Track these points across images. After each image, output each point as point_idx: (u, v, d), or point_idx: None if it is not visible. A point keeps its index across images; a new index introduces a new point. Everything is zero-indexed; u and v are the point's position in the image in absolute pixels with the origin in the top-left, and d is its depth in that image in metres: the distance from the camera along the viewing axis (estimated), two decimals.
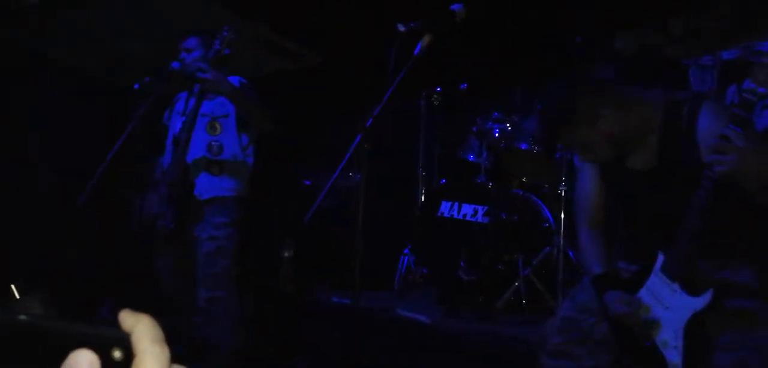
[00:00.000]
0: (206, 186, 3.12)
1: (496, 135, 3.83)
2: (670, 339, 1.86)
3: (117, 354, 0.47)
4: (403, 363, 3.31)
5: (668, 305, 1.87)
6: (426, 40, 2.30)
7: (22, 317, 0.48)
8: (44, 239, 4.57)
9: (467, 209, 3.71)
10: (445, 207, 3.82)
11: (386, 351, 3.39)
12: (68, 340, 0.47)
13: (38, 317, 0.49)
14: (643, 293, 1.95)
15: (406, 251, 4.11)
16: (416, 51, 2.29)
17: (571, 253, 3.60)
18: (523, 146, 3.68)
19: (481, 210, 3.65)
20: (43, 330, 0.48)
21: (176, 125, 3.23)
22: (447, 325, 3.37)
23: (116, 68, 4.94)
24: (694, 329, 1.82)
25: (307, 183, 4.55)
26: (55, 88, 4.98)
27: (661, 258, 1.91)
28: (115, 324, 0.50)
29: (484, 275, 3.61)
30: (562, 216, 3.52)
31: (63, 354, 0.47)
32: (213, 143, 3.16)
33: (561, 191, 3.57)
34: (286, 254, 4.38)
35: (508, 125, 3.80)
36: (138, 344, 0.48)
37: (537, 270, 3.54)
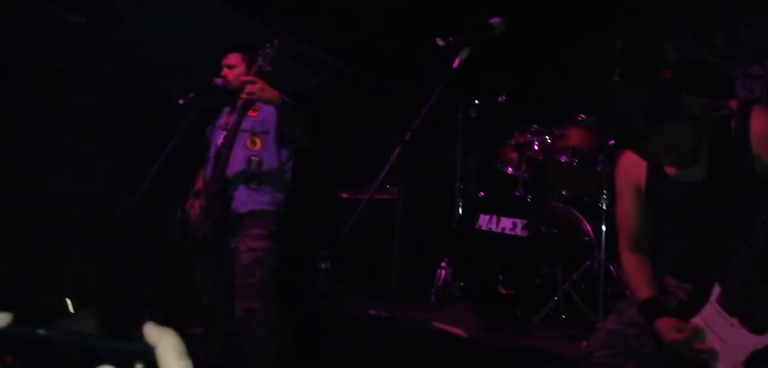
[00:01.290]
0: (245, 200, 3.17)
1: (536, 147, 3.79)
2: None
3: (139, 367, 0.48)
4: None
5: (726, 339, 1.80)
6: (464, 53, 2.31)
7: (44, 332, 0.49)
8: (88, 249, 4.71)
9: (506, 222, 3.67)
10: (483, 220, 3.79)
11: (423, 365, 3.38)
12: (92, 356, 0.48)
13: (62, 332, 0.50)
14: (697, 322, 1.88)
15: (443, 264, 4.09)
16: (455, 64, 2.30)
17: (611, 267, 3.53)
18: (563, 158, 3.63)
19: (519, 223, 3.61)
20: (68, 346, 0.49)
21: (218, 139, 3.30)
22: (484, 339, 3.34)
23: (162, 82, 5.07)
24: (755, 366, 1.74)
25: (345, 195, 4.57)
26: (102, 101, 5.13)
27: (717, 289, 1.83)
28: (141, 337, 0.51)
29: (522, 289, 3.56)
30: (603, 229, 3.46)
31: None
32: (253, 158, 3.21)
33: (601, 204, 3.52)
34: (322, 266, 4.42)
35: (547, 137, 3.76)
36: (162, 358, 0.49)
37: (576, 285, 3.48)
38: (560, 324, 3.39)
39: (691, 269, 2.00)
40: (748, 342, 1.75)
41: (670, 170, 2.01)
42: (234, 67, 3.30)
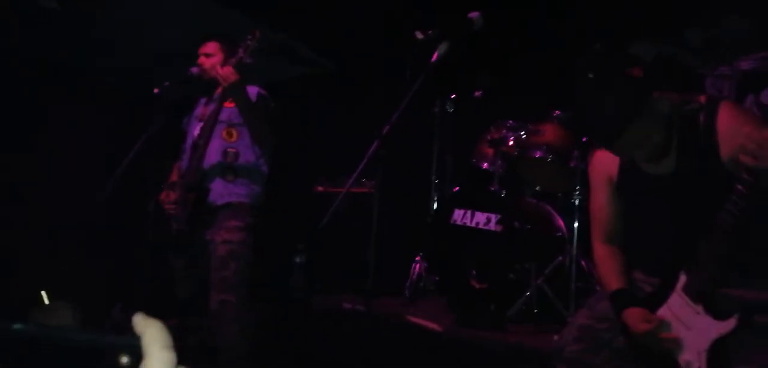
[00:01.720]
0: (221, 192, 3.14)
1: (511, 143, 3.83)
2: (693, 361, 1.83)
3: (124, 359, 0.48)
4: None
5: (691, 326, 1.84)
6: (443, 47, 2.32)
7: (21, 327, 0.49)
8: (62, 241, 4.63)
9: (480, 217, 3.70)
10: (457, 215, 3.81)
11: (397, 359, 3.39)
12: (77, 348, 0.48)
13: (41, 327, 0.49)
14: (664, 311, 1.92)
15: (418, 258, 4.10)
16: (433, 58, 2.31)
17: (583, 263, 3.59)
18: (537, 154, 3.67)
19: (494, 218, 3.64)
20: (48, 341, 0.49)
21: (194, 130, 3.26)
22: (458, 333, 3.36)
23: (136, 72, 4.99)
24: (718, 351, 1.79)
25: (320, 189, 4.56)
26: (73, 92, 5.03)
27: (683, 277, 1.88)
28: (126, 325, 0.50)
29: (495, 283, 3.60)
30: (575, 225, 3.51)
31: (73, 362, 0.48)
32: (229, 149, 3.18)
33: (574, 200, 3.57)
34: (297, 260, 4.41)
35: (522, 133, 3.79)
36: (147, 348, 0.49)
37: (549, 279, 3.53)
38: (533, 319, 3.44)
39: (658, 261, 2.04)
40: (713, 328, 1.80)
41: (641, 163, 2.05)
42: (211, 56, 3.27)
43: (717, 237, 1.76)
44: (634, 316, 1.95)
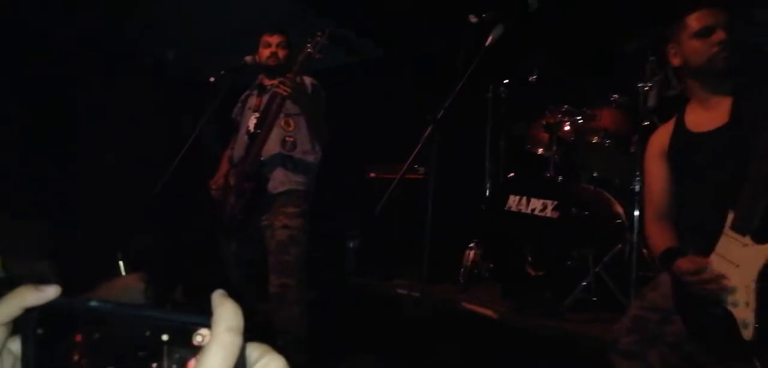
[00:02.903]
0: (282, 180, 3.21)
1: (567, 128, 3.74)
2: (740, 299, 1.78)
3: (198, 338, 0.48)
4: (468, 358, 3.29)
5: (739, 262, 1.80)
6: (498, 30, 2.28)
7: (96, 303, 0.49)
8: (120, 226, 4.80)
9: (536, 203, 3.63)
10: (513, 201, 3.75)
11: (452, 345, 3.38)
12: (151, 328, 0.48)
13: (116, 304, 0.50)
14: (712, 258, 1.89)
15: (472, 244, 4.07)
16: (488, 42, 2.27)
17: (644, 251, 3.48)
18: (595, 139, 3.57)
19: (550, 204, 3.56)
20: (128, 318, 0.49)
21: (248, 120, 3.32)
22: (513, 321, 3.32)
23: (192, 59, 5.11)
24: (766, 280, 1.74)
25: (372, 175, 4.57)
26: (130, 78, 5.20)
27: (730, 216, 1.85)
28: (187, 308, 0.50)
29: (552, 271, 3.53)
30: (635, 212, 3.40)
31: (147, 340, 0.48)
32: (287, 138, 3.23)
33: (634, 186, 3.46)
34: (351, 245, 4.45)
35: (578, 117, 3.70)
36: (214, 328, 0.48)
37: (608, 268, 3.44)
38: (591, 307, 3.35)
39: (707, 215, 2.00)
40: (760, 255, 1.76)
41: (693, 127, 2.10)
42: (278, 47, 3.33)
43: (760, 166, 1.74)
44: (682, 264, 1.93)
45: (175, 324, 0.48)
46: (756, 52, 3.54)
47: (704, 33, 2.03)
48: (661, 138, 2.23)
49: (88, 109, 5.04)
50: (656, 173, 2.21)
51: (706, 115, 2.06)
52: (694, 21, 2.06)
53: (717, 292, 1.84)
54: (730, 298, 1.81)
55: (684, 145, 2.10)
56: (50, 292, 0.50)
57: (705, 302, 1.88)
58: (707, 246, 1.91)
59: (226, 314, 0.49)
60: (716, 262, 1.86)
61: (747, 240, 1.78)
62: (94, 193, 4.75)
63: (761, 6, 3.50)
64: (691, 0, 2.08)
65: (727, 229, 1.86)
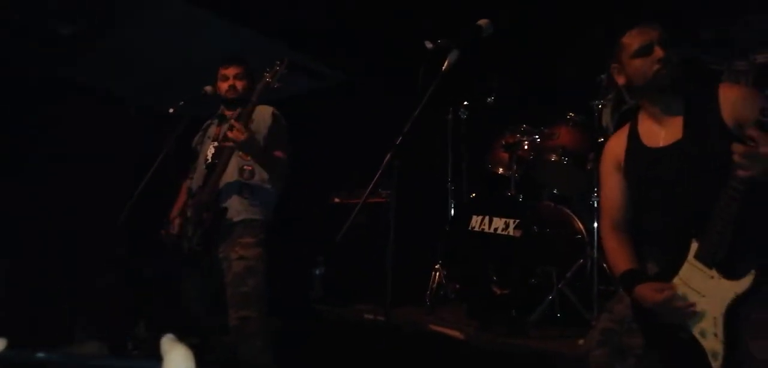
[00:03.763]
0: (238, 209, 3.16)
1: (526, 147, 3.81)
2: (708, 328, 1.80)
3: None
4: None
5: (705, 293, 1.82)
6: (453, 55, 2.32)
7: (44, 356, 0.49)
8: (80, 260, 4.69)
9: (498, 222, 3.68)
10: (475, 221, 3.80)
11: (419, 367, 3.38)
12: None
13: (64, 355, 0.50)
14: (675, 283, 1.90)
15: (437, 266, 4.09)
16: (444, 67, 2.31)
17: (605, 265, 3.54)
18: (553, 157, 3.65)
19: (512, 223, 3.62)
20: (75, 366, 0.50)
21: (207, 149, 3.29)
22: (480, 340, 3.34)
23: (149, 91, 5.06)
24: (735, 314, 1.76)
25: (337, 200, 4.57)
26: (88, 112, 5.12)
27: (694, 245, 1.87)
28: (150, 342, 0.50)
29: (516, 289, 3.57)
30: (595, 226, 3.48)
31: None
32: (245, 167, 3.20)
33: (592, 201, 3.54)
34: (317, 272, 4.42)
35: (537, 137, 3.78)
36: None
37: (571, 283, 3.49)
38: (556, 323, 3.40)
39: (669, 239, 2.03)
40: (728, 290, 1.77)
41: (647, 141, 2.12)
42: (235, 79, 3.31)
43: (727, 199, 1.75)
44: (645, 290, 1.94)
45: None
46: (703, 69, 3.68)
47: (642, 52, 2.06)
48: (614, 150, 2.24)
49: (44, 143, 4.94)
50: (612, 185, 2.24)
51: (659, 130, 2.08)
52: (631, 41, 2.10)
53: (683, 319, 1.86)
54: (696, 326, 1.83)
55: (639, 159, 2.12)
56: None
57: (670, 328, 1.90)
58: (669, 269, 1.93)
59: (177, 359, 0.49)
60: (680, 288, 1.88)
61: (713, 272, 1.81)
62: (51, 230, 4.64)
63: (706, 25, 3.63)
64: (629, 20, 2.14)
65: (690, 258, 1.87)
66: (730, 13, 3.66)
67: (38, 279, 4.31)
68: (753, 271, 1.74)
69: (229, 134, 2.98)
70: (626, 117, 2.32)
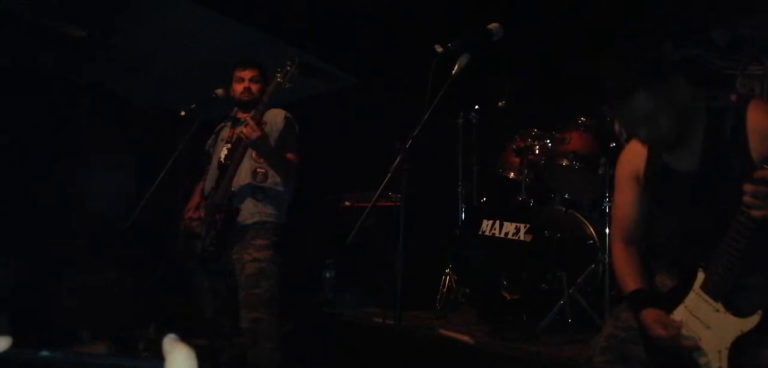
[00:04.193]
0: (251, 211, 3.18)
1: (537, 151, 3.79)
2: (712, 361, 1.77)
3: None
4: None
5: (710, 325, 1.79)
6: (463, 59, 2.31)
7: (48, 354, 0.49)
8: (94, 263, 4.72)
9: (509, 227, 3.66)
10: (486, 226, 3.78)
11: None
12: None
13: (68, 354, 0.50)
14: (680, 310, 1.88)
15: (447, 270, 4.08)
16: (454, 70, 2.31)
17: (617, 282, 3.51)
18: (564, 162, 3.62)
19: (523, 227, 3.60)
20: (80, 366, 0.50)
21: (220, 151, 3.31)
22: (489, 346, 3.32)
23: (162, 94, 5.09)
24: (739, 350, 1.73)
25: (347, 204, 4.57)
26: (101, 116, 5.16)
27: (701, 275, 1.84)
28: (160, 345, 0.51)
29: (527, 294, 3.55)
30: (606, 231, 3.45)
31: None
32: (258, 170, 3.21)
33: (604, 206, 3.51)
34: (327, 275, 4.42)
35: (548, 141, 3.76)
36: None
37: (582, 288, 3.47)
38: (566, 329, 3.37)
39: (680, 260, 1.99)
40: (734, 326, 1.74)
41: (669, 159, 2.00)
42: (250, 82, 3.32)
43: (736, 234, 1.71)
44: (651, 318, 1.90)
45: None
46: (716, 73, 3.63)
47: (633, 131, 1.95)
48: (634, 160, 2.14)
49: (55, 144, 4.98)
50: (627, 197, 2.15)
51: (679, 151, 1.97)
52: (619, 123, 1.98)
53: (685, 353, 1.83)
54: (701, 359, 1.80)
55: (660, 178, 2.03)
56: (1, 344, 0.50)
57: (673, 355, 1.88)
58: (676, 294, 1.90)
59: (179, 360, 0.49)
60: (685, 316, 1.86)
61: (719, 305, 1.78)
62: (59, 230, 4.68)
63: (717, 28, 3.59)
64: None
65: (697, 287, 1.84)
66: (741, 15, 3.62)
67: (45, 279, 4.34)
68: (760, 311, 1.71)
69: (244, 130, 3.00)
70: None
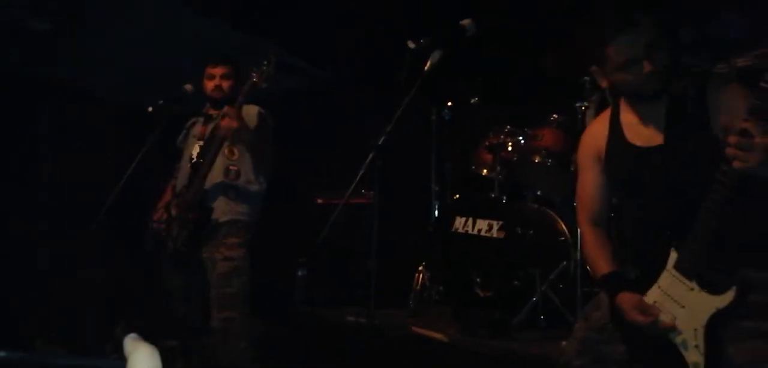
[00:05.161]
0: (224, 210, 3.15)
1: (509, 148, 3.80)
2: (689, 340, 1.78)
3: None
4: None
5: (685, 304, 1.80)
6: (436, 55, 2.31)
7: (5, 354, 0.49)
8: (61, 263, 4.61)
9: (482, 224, 3.67)
10: (459, 223, 3.78)
11: None
12: None
13: (26, 355, 0.50)
14: (654, 291, 1.88)
15: (420, 268, 4.07)
16: (426, 66, 2.30)
17: (588, 267, 3.54)
18: (537, 159, 3.64)
19: (495, 225, 3.60)
20: (40, 366, 0.50)
21: (192, 149, 3.26)
22: (463, 343, 3.32)
23: (129, 89, 4.99)
24: (715, 327, 1.75)
25: (320, 201, 4.53)
26: (67, 112, 5.04)
27: (673, 254, 1.84)
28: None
29: (500, 291, 3.56)
30: (579, 229, 3.47)
31: None
32: (231, 167, 3.18)
33: (575, 204, 3.53)
34: (300, 273, 4.38)
35: (521, 138, 3.77)
36: None
37: (554, 285, 3.49)
38: (539, 326, 3.39)
39: (646, 246, 1.99)
40: (709, 303, 1.75)
41: (630, 136, 2.02)
42: (222, 79, 3.27)
43: (708, 211, 1.72)
44: (627, 303, 1.89)
45: None
46: (684, 73, 3.67)
47: (628, 66, 1.91)
48: (595, 139, 2.13)
49: (19, 141, 4.85)
50: (590, 178, 2.14)
51: (642, 127, 1.99)
52: (618, 54, 1.93)
53: (662, 334, 1.84)
54: (677, 338, 1.81)
55: (621, 156, 2.04)
56: None
57: (648, 337, 1.88)
58: (648, 275, 1.90)
59: (141, 359, 0.49)
60: (659, 297, 1.86)
61: (693, 283, 1.78)
62: (29, 231, 4.56)
63: (685, 26, 3.63)
64: (612, 26, 1.99)
65: (670, 267, 1.84)
66: (707, 13, 3.67)
67: (6, 281, 4.23)
68: (734, 288, 1.72)
69: (223, 123, 2.96)
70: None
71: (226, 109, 3.04)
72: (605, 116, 2.15)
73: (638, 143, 1.99)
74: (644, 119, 1.99)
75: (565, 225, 3.63)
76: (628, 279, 2.00)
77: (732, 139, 1.65)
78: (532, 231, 3.56)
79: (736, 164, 1.64)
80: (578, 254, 3.40)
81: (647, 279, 1.91)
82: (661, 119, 1.93)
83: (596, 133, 2.14)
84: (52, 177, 4.88)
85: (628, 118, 2.05)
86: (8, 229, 4.53)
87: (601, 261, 2.06)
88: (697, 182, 1.76)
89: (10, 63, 4.75)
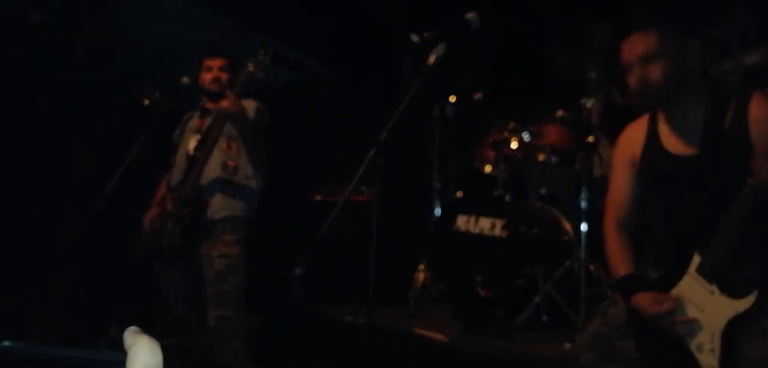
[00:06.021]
0: (220, 206, 3.10)
1: (513, 145, 3.73)
2: (705, 343, 1.78)
3: None
4: None
5: (704, 308, 1.79)
6: (440, 49, 2.25)
7: (9, 344, 0.49)
8: (56, 257, 4.55)
9: (484, 222, 3.61)
10: (461, 221, 3.72)
11: None
12: (66, 366, 0.49)
13: (28, 344, 0.50)
14: (675, 294, 1.88)
15: (421, 267, 4.01)
16: (430, 61, 2.24)
17: (591, 267, 3.49)
18: (541, 157, 3.58)
19: (499, 223, 3.55)
20: (36, 358, 0.49)
21: (189, 143, 3.21)
22: (464, 343, 3.28)
23: (125, 83, 4.93)
24: (733, 332, 1.75)
25: (319, 198, 4.48)
26: (63, 104, 4.98)
27: (696, 258, 1.84)
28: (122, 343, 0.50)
29: (502, 290, 3.50)
30: (583, 228, 3.42)
31: None
32: (228, 163, 3.13)
33: (581, 202, 3.47)
34: (298, 271, 4.32)
35: (525, 135, 3.70)
36: (129, 365, 0.48)
37: (558, 285, 3.43)
38: (541, 326, 3.34)
39: (671, 248, 2.00)
40: (728, 308, 1.76)
41: (667, 144, 2.03)
42: (219, 71, 3.22)
43: (734, 218, 1.73)
44: (644, 300, 1.90)
45: (90, 362, 0.49)
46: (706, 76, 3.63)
47: (633, 66, 1.96)
48: (631, 146, 2.17)
49: (13, 135, 4.79)
50: (624, 181, 2.17)
51: (678, 137, 2.01)
52: (625, 52, 1.97)
53: (681, 334, 1.83)
54: (693, 341, 1.81)
55: (657, 163, 2.06)
56: None
57: (666, 338, 1.87)
58: (669, 279, 1.91)
59: (141, 352, 0.49)
60: (681, 298, 1.86)
61: (713, 287, 1.79)
62: (24, 224, 4.50)
63: (707, 25, 3.58)
64: (629, 21, 2.02)
65: (692, 271, 1.85)
66: (714, 12, 3.62)
67: (9, 274, 4.18)
68: (755, 292, 1.73)
69: (223, 103, 2.91)
70: (619, 121, 2.25)
71: (226, 92, 3.00)
72: (643, 121, 2.17)
73: (674, 151, 2.00)
74: (681, 127, 2.00)
75: (569, 224, 3.57)
76: (647, 281, 2.01)
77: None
78: (535, 230, 3.51)
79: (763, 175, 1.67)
80: (582, 253, 3.35)
81: (669, 281, 1.91)
82: (699, 128, 1.93)
83: (633, 137, 2.17)
84: (43, 170, 4.82)
85: (665, 125, 2.07)
86: (5, 223, 4.47)
87: (621, 264, 2.07)
88: (728, 193, 1.77)
89: (8, 55, 4.69)
